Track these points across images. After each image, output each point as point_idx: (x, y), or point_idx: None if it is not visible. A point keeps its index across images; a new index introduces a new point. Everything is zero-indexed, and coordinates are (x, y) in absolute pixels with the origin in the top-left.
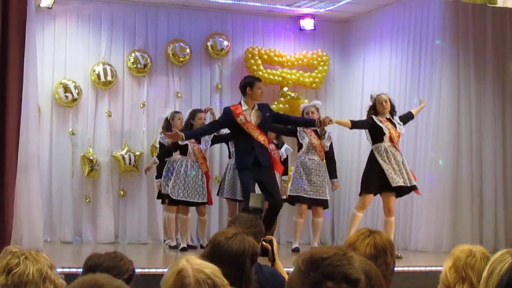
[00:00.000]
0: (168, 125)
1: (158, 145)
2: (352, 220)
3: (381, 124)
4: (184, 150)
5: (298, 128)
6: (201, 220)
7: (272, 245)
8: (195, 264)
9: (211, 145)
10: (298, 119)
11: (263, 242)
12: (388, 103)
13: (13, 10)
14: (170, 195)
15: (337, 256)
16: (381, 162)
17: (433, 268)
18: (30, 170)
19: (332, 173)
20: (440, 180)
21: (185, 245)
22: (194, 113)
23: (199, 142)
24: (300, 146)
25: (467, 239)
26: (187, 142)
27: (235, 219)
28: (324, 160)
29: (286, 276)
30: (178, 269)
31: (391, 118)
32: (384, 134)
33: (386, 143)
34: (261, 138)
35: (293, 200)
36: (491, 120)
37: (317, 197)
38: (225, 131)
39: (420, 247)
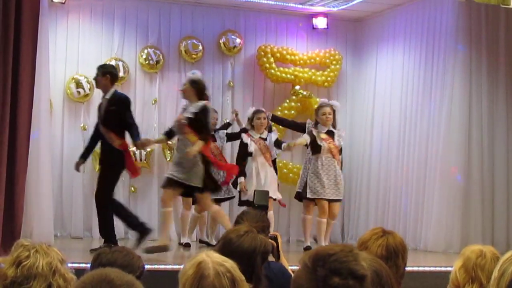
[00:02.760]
0: None
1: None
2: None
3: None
4: None
5: (307, 124)
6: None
7: (277, 242)
8: (215, 257)
9: (226, 142)
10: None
11: (268, 239)
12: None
13: (26, 4)
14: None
15: (343, 253)
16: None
17: (443, 269)
18: (41, 165)
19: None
20: (451, 180)
21: (188, 241)
22: None
23: (214, 140)
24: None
25: (478, 239)
26: None
27: (242, 214)
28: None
29: (291, 271)
30: (198, 261)
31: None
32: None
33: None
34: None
35: (301, 197)
36: (503, 120)
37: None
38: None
39: (430, 247)
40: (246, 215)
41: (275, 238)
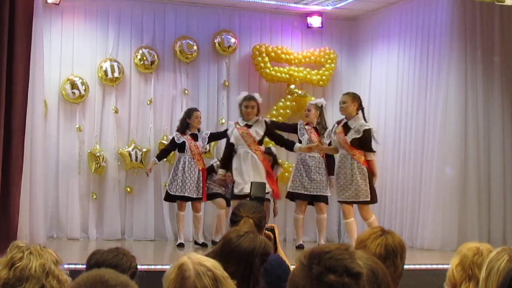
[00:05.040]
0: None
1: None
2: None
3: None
4: (182, 147)
5: (298, 125)
6: (196, 216)
7: (274, 233)
8: (195, 258)
9: (208, 143)
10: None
11: (265, 231)
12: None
13: (20, 6)
14: (168, 190)
15: (339, 250)
16: None
17: (440, 266)
18: (35, 167)
19: (330, 170)
20: (447, 178)
21: (182, 241)
22: (190, 112)
23: (196, 139)
24: (299, 143)
25: (474, 237)
26: (184, 139)
27: (239, 206)
28: (324, 158)
29: (288, 262)
30: (179, 264)
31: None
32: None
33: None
34: None
35: (293, 196)
36: (498, 117)
37: (318, 193)
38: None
39: (426, 245)
40: (242, 206)
41: (272, 230)
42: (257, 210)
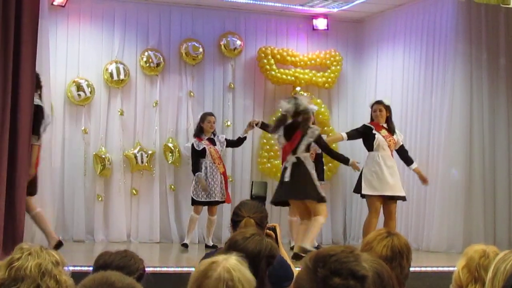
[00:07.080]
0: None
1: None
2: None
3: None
4: (202, 153)
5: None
6: (211, 219)
7: (275, 232)
8: (229, 263)
9: (226, 147)
10: None
11: (267, 230)
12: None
13: (26, 8)
14: (194, 197)
15: (344, 253)
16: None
17: (445, 269)
18: (42, 169)
19: (319, 176)
20: (453, 180)
21: (187, 242)
22: (204, 116)
23: (214, 143)
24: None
25: (480, 239)
26: (204, 145)
27: (240, 205)
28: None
29: (290, 262)
30: (212, 261)
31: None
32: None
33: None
34: None
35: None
36: (504, 119)
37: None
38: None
39: (432, 247)
40: (244, 206)
41: (273, 229)
42: (259, 210)
